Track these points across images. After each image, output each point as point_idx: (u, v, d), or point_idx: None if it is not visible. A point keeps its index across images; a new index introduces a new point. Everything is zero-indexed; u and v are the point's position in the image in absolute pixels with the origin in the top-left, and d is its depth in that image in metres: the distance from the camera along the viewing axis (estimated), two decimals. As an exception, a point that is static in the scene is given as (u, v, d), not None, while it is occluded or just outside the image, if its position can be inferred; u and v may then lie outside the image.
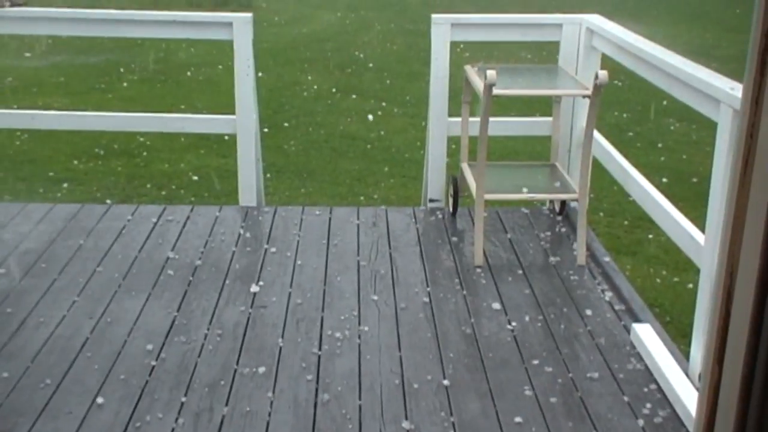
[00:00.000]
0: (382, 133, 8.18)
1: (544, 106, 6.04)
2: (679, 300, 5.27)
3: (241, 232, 4.22)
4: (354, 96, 9.51)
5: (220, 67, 10.12)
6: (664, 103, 8.70)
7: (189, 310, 3.43)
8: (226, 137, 6.70)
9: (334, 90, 9.70)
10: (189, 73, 10.25)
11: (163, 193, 6.46)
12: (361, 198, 6.55)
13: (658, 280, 5.46)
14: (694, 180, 7.24)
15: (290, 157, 7.44)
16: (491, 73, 3.59)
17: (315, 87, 9.82)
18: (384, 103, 9.18)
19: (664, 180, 6.63)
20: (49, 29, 5.73)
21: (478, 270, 3.85)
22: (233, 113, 4.43)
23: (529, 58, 10.53)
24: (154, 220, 4.32)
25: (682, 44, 10.06)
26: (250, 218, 4.39)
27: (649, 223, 6.26)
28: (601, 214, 6.42)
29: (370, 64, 11.07)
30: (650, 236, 6.09)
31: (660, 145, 8.07)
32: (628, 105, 9.16)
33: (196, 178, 6.78)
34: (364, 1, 16.17)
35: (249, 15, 4.31)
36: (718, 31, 14.03)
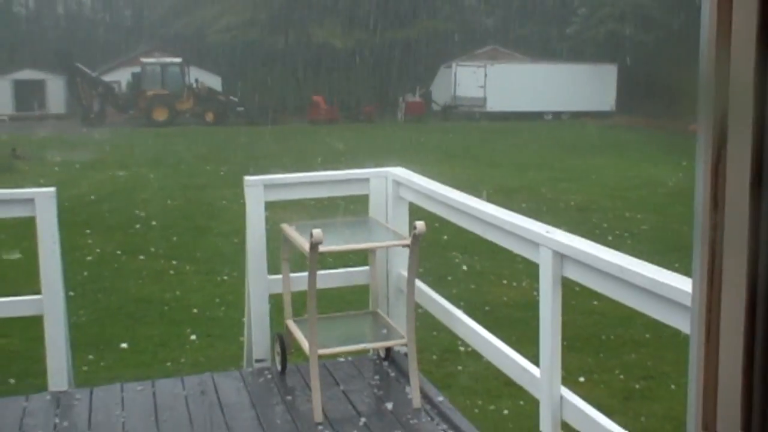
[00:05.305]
0: (178, 293, 7.96)
1: (349, 254, 6.20)
2: (501, 427, 5.50)
3: (57, 422, 3.85)
4: (142, 257, 9.20)
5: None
6: (445, 237, 9.28)
7: None
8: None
9: (119, 252, 9.34)
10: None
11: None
12: (168, 364, 6.26)
13: (477, 411, 5.67)
14: (487, 308, 7.72)
15: (82, 328, 6.99)
16: (318, 232, 3.67)
17: (98, 250, 9.41)
18: (174, 262, 8.97)
19: (461, 311, 7.02)
20: None
21: (320, 427, 3.78)
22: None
23: (314, 204, 10.85)
24: None
25: (450, 179, 10.88)
26: (63, 405, 4.02)
27: (456, 355, 6.54)
28: (411, 350, 6.61)
29: (153, 222, 10.83)
30: (459, 368, 6.35)
31: (450, 277, 8.55)
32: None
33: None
34: (135, 159, 15.94)
35: (52, 189, 4.10)
36: (481, 167, 15.36)
